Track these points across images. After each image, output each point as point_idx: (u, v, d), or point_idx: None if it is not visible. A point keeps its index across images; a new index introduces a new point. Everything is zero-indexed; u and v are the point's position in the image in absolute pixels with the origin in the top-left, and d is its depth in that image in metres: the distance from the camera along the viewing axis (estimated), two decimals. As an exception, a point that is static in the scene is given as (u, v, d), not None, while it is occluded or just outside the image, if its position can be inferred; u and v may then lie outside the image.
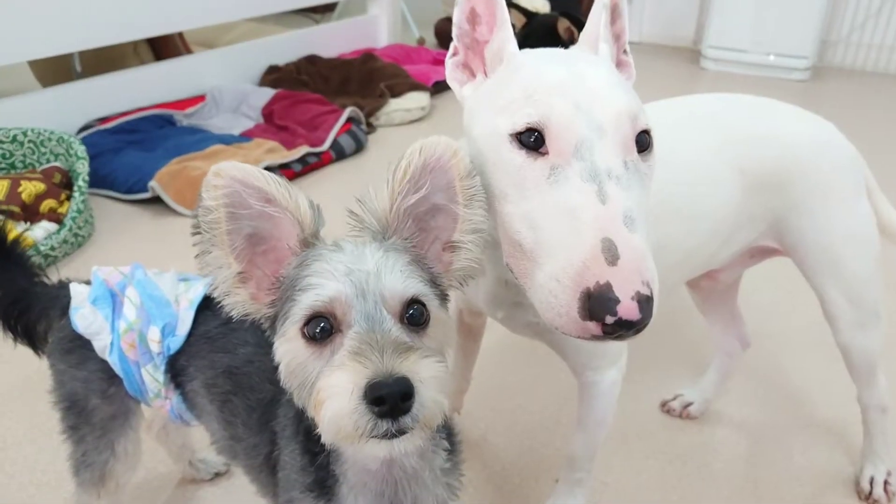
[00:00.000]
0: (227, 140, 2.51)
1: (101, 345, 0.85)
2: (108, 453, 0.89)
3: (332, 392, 0.54)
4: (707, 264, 1.05)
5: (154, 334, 0.83)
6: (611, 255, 0.61)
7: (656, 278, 0.63)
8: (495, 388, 1.45)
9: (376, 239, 0.63)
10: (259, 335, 0.80)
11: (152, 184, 2.17)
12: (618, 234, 0.62)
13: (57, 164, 2.13)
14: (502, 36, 0.76)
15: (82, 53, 2.81)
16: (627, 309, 0.59)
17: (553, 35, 2.74)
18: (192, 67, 2.97)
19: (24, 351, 0.94)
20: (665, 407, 1.41)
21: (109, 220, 2.13)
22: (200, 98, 2.87)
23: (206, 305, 0.84)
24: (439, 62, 3.51)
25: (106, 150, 2.35)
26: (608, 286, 0.60)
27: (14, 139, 2.13)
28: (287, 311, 0.59)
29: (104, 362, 0.85)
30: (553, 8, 3.44)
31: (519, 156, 0.67)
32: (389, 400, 0.52)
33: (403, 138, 2.83)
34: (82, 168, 2.01)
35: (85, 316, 0.85)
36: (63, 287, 0.90)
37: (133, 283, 0.86)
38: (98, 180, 2.24)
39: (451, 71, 0.81)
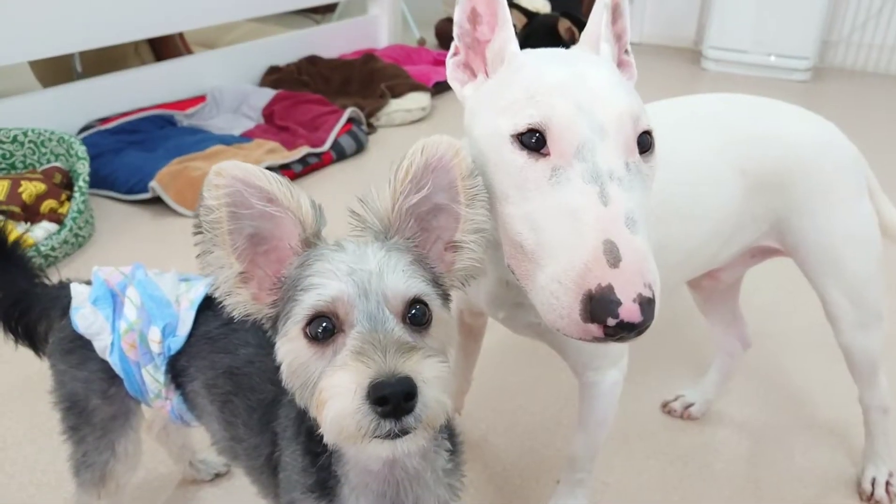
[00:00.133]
0: (228, 140, 2.51)
1: (101, 345, 0.84)
2: (108, 454, 0.89)
3: (334, 392, 0.54)
4: (708, 264, 1.04)
5: (155, 335, 0.83)
6: (612, 256, 0.61)
7: (658, 280, 0.63)
8: (496, 389, 1.45)
9: (378, 239, 0.63)
10: (260, 336, 0.80)
11: (153, 184, 2.17)
12: (619, 236, 0.62)
13: (57, 164, 2.13)
14: (504, 36, 0.76)
15: (83, 54, 2.81)
16: (629, 311, 0.59)
17: (554, 35, 2.74)
18: (193, 68, 2.97)
19: (25, 351, 0.94)
20: (666, 407, 1.41)
21: (110, 221, 2.13)
22: (201, 98, 2.87)
23: (207, 306, 0.84)
24: (440, 63, 3.51)
25: (106, 150, 2.35)
26: (610, 288, 0.59)
27: (14, 139, 2.13)
28: (289, 310, 0.59)
29: (105, 363, 0.85)
30: (554, 8, 3.44)
31: (520, 157, 0.67)
32: (392, 400, 0.52)
33: (404, 139, 2.83)
34: (83, 168, 2.01)
35: (85, 316, 0.84)
36: (64, 287, 0.89)
37: (134, 284, 0.86)
38: (99, 181, 2.24)
39: (451, 71, 0.81)
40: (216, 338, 0.83)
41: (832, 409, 1.41)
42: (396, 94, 3.02)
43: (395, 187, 0.63)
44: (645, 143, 0.69)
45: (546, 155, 0.66)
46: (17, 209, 1.90)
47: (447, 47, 0.82)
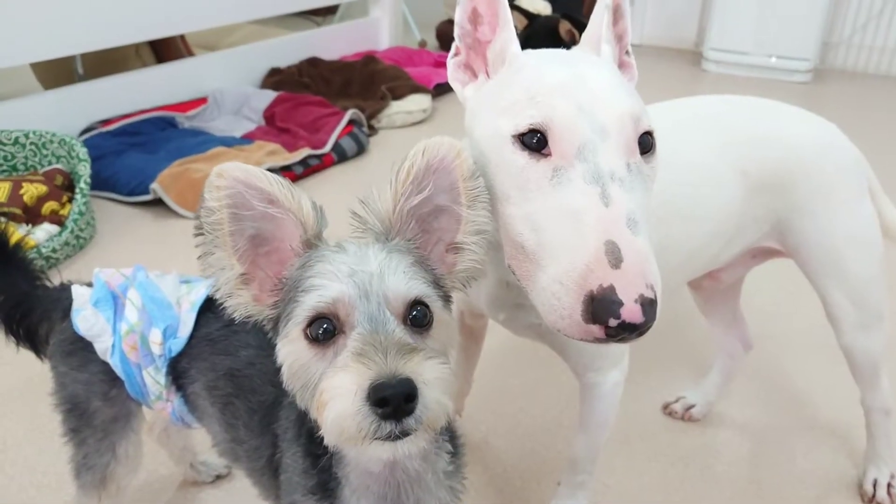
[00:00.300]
0: (229, 142, 2.51)
1: (102, 347, 0.84)
2: (109, 456, 0.89)
3: (335, 393, 0.54)
4: (709, 265, 1.04)
5: (155, 336, 0.83)
6: (614, 257, 0.60)
7: (659, 281, 0.63)
8: (497, 391, 1.45)
9: (379, 240, 0.63)
10: (261, 337, 0.80)
11: (154, 186, 2.17)
12: (621, 237, 0.62)
13: (59, 166, 2.13)
14: (505, 36, 0.76)
15: (84, 56, 2.81)
16: (631, 312, 0.59)
17: (554, 37, 2.74)
18: (194, 70, 2.97)
19: (26, 353, 0.94)
20: (667, 409, 1.41)
21: (111, 223, 2.13)
22: (202, 100, 2.87)
23: (208, 308, 0.84)
24: (440, 64, 3.51)
25: (108, 152, 2.35)
26: (611, 289, 0.59)
27: (16, 141, 2.13)
28: (290, 312, 0.59)
29: (106, 364, 0.85)
30: (554, 10, 3.44)
31: (521, 157, 0.67)
32: (393, 401, 0.52)
33: (405, 140, 2.83)
34: (84, 170, 2.01)
35: (86, 318, 0.84)
36: (65, 289, 0.89)
37: (135, 285, 0.86)
38: (100, 182, 2.24)
39: (452, 71, 0.81)
40: (217, 339, 0.83)
41: (834, 411, 1.41)
42: (397, 96, 3.02)
43: (397, 189, 0.63)
44: (646, 143, 0.69)
45: (547, 155, 0.66)
46: (18, 211, 1.90)
47: (448, 49, 0.82)
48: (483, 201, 0.67)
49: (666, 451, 1.31)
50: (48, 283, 0.94)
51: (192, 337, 0.83)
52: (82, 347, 0.86)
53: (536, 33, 2.80)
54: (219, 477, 1.21)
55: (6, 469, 1.21)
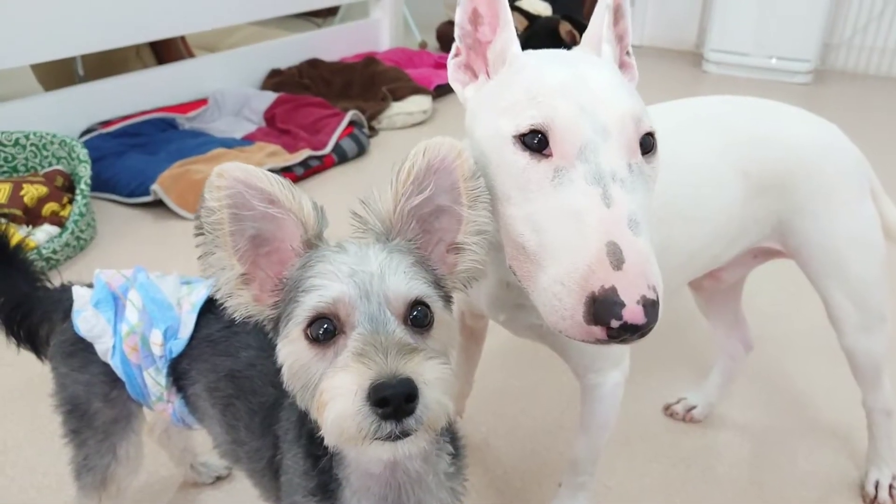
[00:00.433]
0: (230, 143, 2.52)
1: (103, 348, 0.84)
2: (109, 457, 0.89)
3: (335, 393, 0.54)
4: (710, 266, 1.04)
5: (156, 337, 0.83)
6: (616, 259, 0.60)
7: (661, 282, 0.63)
8: (497, 392, 1.45)
9: (380, 240, 0.63)
10: (261, 339, 0.80)
11: (154, 187, 2.17)
12: (623, 238, 0.61)
13: (59, 167, 2.13)
14: (505, 37, 0.76)
15: (85, 57, 2.81)
16: (633, 313, 0.59)
17: (555, 38, 2.74)
18: (195, 71, 2.97)
19: (26, 354, 0.94)
20: (668, 410, 1.40)
21: (112, 224, 2.13)
22: (203, 102, 2.87)
23: (209, 309, 0.84)
24: (441, 66, 3.51)
25: (108, 153, 2.35)
26: (613, 290, 0.59)
27: (16, 142, 2.13)
28: (290, 312, 0.59)
29: (106, 366, 0.85)
30: (555, 11, 3.44)
31: (522, 157, 0.67)
32: (393, 401, 0.52)
33: (405, 141, 2.83)
34: (84, 171, 2.01)
35: (87, 319, 0.84)
36: (65, 290, 0.89)
37: (135, 287, 0.86)
38: (100, 184, 2.24)
39: (453, 72, 0.81)
40: (218, 341, 0.82)
41: (835, 412, 1.41)
42: (398, 97, 3.02)
43: (397, 189, 0.63)
44: (647, 144, 0.69)
45: (548, 156, 0.66)
46: (18, 212, 1.90)
47: (448, 50, 0.82)
48: (484, 201, 0.67)
49: (667, 453, 1.31)
50: (49, 285, 0.94)
51: (192, 338, 0.83)
52: (83, 349, 0.86)
53: (537, 34, 2.80)
54: (219, 478, 1.21)
55: (6, 470, 1.21)
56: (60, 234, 1.87)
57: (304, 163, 2.45)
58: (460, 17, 0.79)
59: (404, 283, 0.58)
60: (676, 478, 1.25)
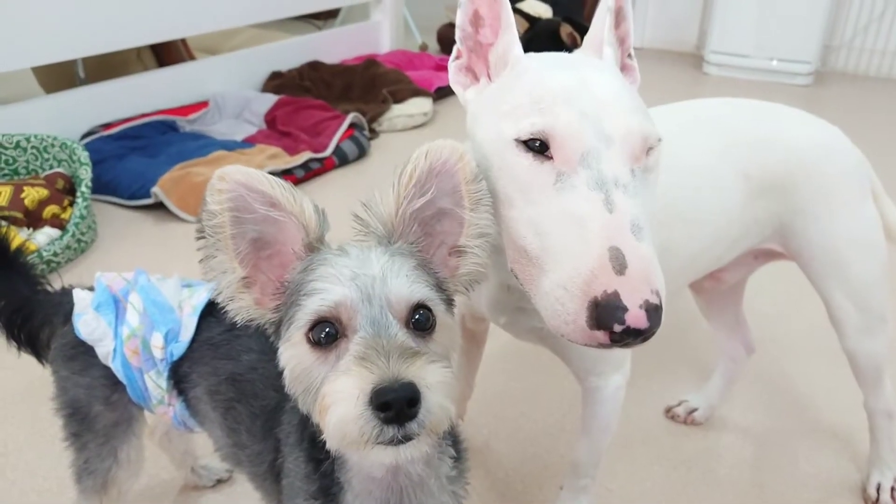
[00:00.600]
0: (230, 146, 2.51)
1: (104, 351, 0.84)
2: (110, 460, 0.89)
3: (337, 397, 0.54)
4: (711, 267, 1.04)
5: (157, 340, 0.83)
6: (618, 263, 0.60)
7: (664, 286, 0.62)
8: (498, 395, 1.45)
9: (382, 243, 0.63)
10: (263, 342, 0.80)
11: (155, 190, 2.17)
12: (625, 243, 0.61)
13: (60, 170, 2.13)
14: (507, 39, 0.76)
15: (86, 60, 2.81)
16: (635, 317, 0.59)
17: (556, 40, 2.74)
18: (195, 74, 2.97)
19: (27, 357, 0.93)
20: (669, 413, 1.40)
21: (112, 226, 2.13)
22: (203, 104, 2.87)
23: (210, 311, 0.83)
24: (441, 68, 3.51)
25: (109, 156, 2.35)
26: (616, 295, 0.59)
27: (17, 145, 2.13)
28: (292, 316, 0.59)
29: (107, 369, 0.85)
30: (555, 13, 3.45)
31: (525, 160, 0.67)
32: (395, 405, 0.52)
33: (406, 144, 2.83)
34: (85, 174, 2.01)
35: (88, 322, 0.84)
36: (66, 293, 0.89)
37: (136, 289, 0.86)
38: (101, 186, 2.24)
39: (454, 74, 0.81)
40: (219, 344, 0.82)
41: (836, 414, 1.40)
42: (398, 100, 3.02)
43: (399, 192, 0.63)
44: (648, 147, 0.69)
45: (550, 158, 0.66)
46: (19, 215, 1.90)
47: (449, 52, 0.82)
48: (486, 204, 0.67)
49: (668, 455, 1.30)
50: (49, 288, 0.93)
51: (193, 341, 0.83)
52: (84, 352, 0.86)
53: (538, 36, 2.81)
54: (220, 481, 1.21)
55: (7, 474, 1.21)
56: (61, 237, 1.87)
57: (304, 165, 2.45)
58: (461, 20, 0.78)
59: (406, 286, 0.58)
60: (678, 480, 1.25)
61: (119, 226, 2.13)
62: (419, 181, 0.63)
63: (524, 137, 0.66)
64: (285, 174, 2.36)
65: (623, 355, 0.94)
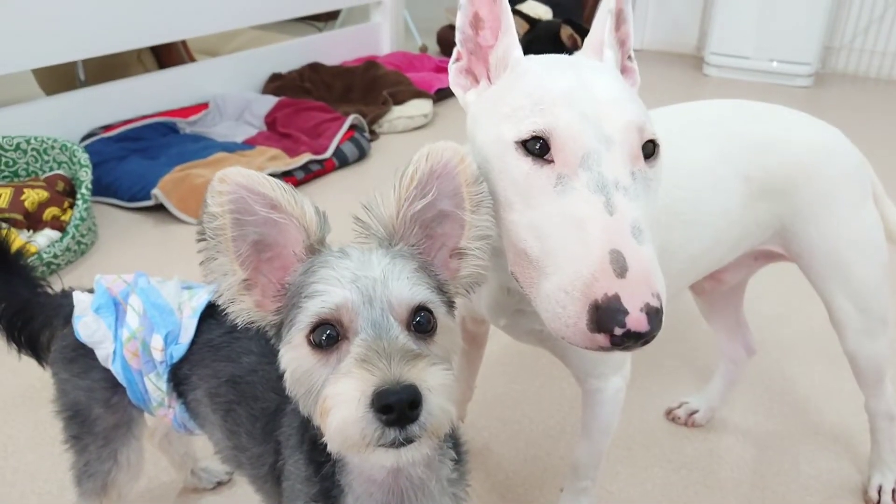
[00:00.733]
0: (230, 148, 2.52)
1: (104, 353, 0.84)
2: (110, 463, 0.89)
3: (338, 400, 0.54)
4: (711, 268, 1.04)
5: (157, 342, 0.83)
6: (619, 266, 0.60)
7: (665, 289, 0.62)
8: (499, 397, 1.45)
9: (383, 245, 0.63)
10: (263, 344, 0.80)
11: (155, 191, 2.17)
12: (626, 246, 0.61)
13: (60, 172, 2.13)
14: (507, 41, 0.76)
15: (86, 61, 2.81)
16: (636, 321, 0.59)
17: (556, 42, 2.74)
18: (196, 75, 2.97)
19: (27, 360, 0.93)
20: (670, 415, 1.40)
21: (112, 228, 2.13)
22: (204, 106, 2.87)
23: (210, 314, 0.83)
24: (442, 70, 3.51)
25: (109, 157, 2.35)
26: (617, 298, 0.59)
27: (17, 147, 2.13)
28: (293, 318, 0.59)
29: (107, 371, 0.85)
30: (556, 15, 3.45)
31: (525, 163, 0.67)
32: (397, 408, 0.52)
33: (406, 145, 2.83)
34: (85, 176, 2.01)
35: (88, 324, 0.84)
36: (66, 296, 0.89)
37: (136, 291, 0.86)
38: (101, 188, 2.24)
39: (454, 76, 0.81)
40: (219, 346, 0.82)
41: (837, 417, 1.40)
42: (399, 101, 3.02)
43: (400, 194, 0.63)
44: (649, 149, 0.69)
45: (551, 161, 0.66)
46: (19, 217, 1.90)
47: (449, 54, 0.82)
48: (487, 206, 0.67)
49: (669, 457, 1.30)
50: (49, 290, 0.93)
51: (193, 343, 0.83)
52: (84, 354, 0.86)
53: (538, 38, 2.80)
54: (220, 483, 1.20)
55: (7, 476, 1.21)
56: (61, 239, 1.87)
57: (304, 167, 2.45)
58: (461, 22, 0.78)
59: (407, 288, 0.58)
60: (678, 482, 1.25)
61: (119, 228, 2.13)
62: (420, 183, 0.63)
63: (524, 137, 0.66)
64: (285, 176, 2.36)
65: (623, 357, 0.94)
